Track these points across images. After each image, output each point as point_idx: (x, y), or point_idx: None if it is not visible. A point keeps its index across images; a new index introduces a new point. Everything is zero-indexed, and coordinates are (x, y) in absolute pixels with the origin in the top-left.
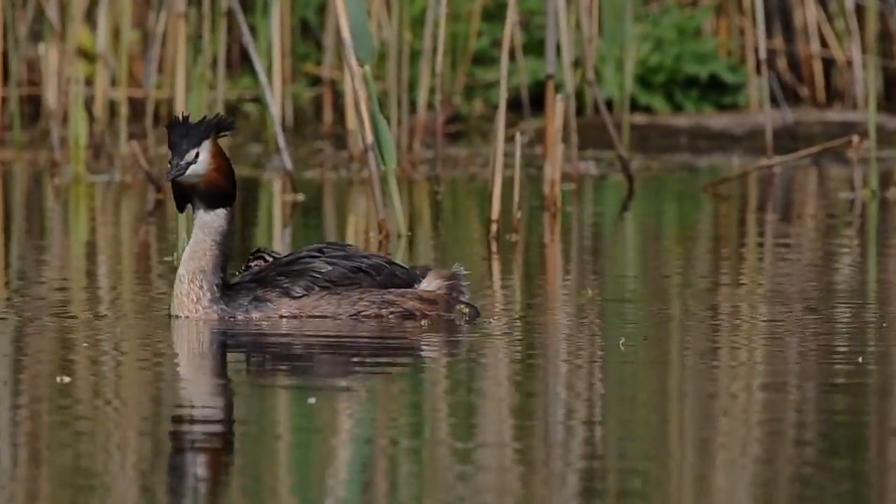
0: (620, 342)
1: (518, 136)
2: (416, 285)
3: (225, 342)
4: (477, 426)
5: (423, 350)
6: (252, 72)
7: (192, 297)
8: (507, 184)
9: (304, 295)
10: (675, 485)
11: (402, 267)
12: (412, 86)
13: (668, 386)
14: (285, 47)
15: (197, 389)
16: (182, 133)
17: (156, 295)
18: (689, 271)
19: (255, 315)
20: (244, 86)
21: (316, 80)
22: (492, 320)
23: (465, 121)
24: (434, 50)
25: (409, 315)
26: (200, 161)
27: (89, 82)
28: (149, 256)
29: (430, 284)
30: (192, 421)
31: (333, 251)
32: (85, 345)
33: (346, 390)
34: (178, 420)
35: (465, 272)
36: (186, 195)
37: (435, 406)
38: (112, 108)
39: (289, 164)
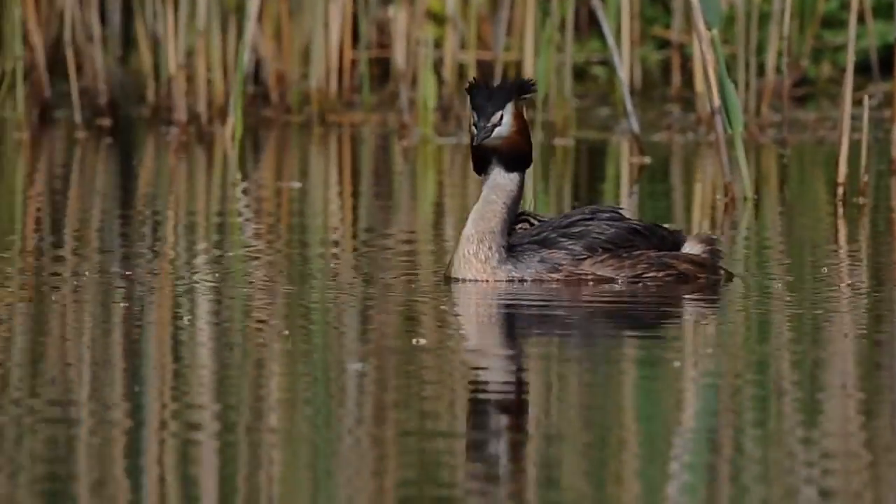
0: None
1: (866, 100)
2: (681, 248)
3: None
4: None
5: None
6: (600, 35)
7: (480, 258)
8: (855, 147)
9: (588, 256)
10: None
11: (667, 230)
12: (760, 49)
13: None
14: (634, 10)
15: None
16: (486, 96)
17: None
18: None
19: (545, 276)
20: (592, 48)
21: (664, 43)
22: (841, 286)
23: (812, 84)
24: (782, 13)
25: (683, 278)
26: (504, 123)
27: (438, 45)
28: None
29: (694, 248)
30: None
31: (604, 213)
32: (443, 308)
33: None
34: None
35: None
36: (487, 157)
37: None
38: (461, 70)
39: (636, 127)
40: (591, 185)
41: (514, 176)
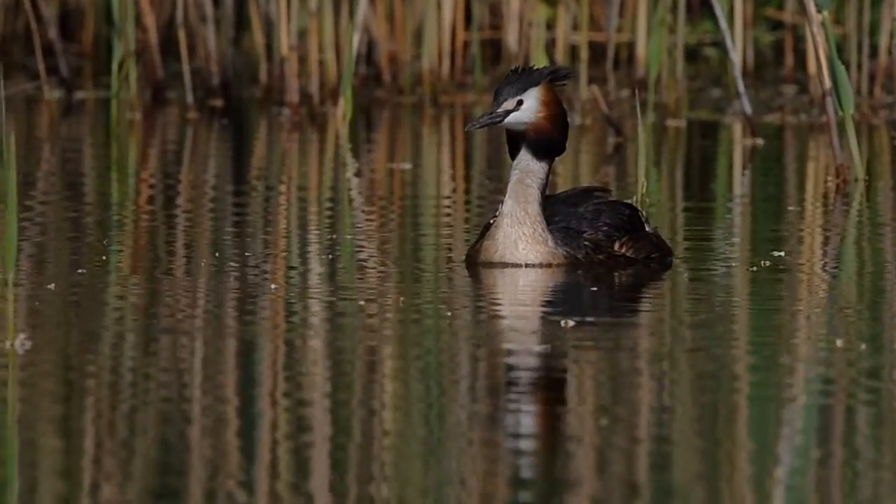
0: None
1: None
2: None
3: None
4: None
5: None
6: (712, 16)
7: (538, 240)
8: None
9: (617, 238)
10: None
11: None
12: (873, 30)
13: None
14: None
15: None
16: (510, 81)
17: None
18: None
19: (593, 258)
20: (704, 30)
21: (777, 25)
22: None
23: None
24: None
25: (669, 259)
26: (525, 108)
27: (550, 26)
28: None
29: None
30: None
31: (599, 191)
32: (594, 288)
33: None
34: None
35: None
36: (517, 142)
37: None
38: (573, 51)
39: (748, 109)
40: (703, 167)
41: (544, 164)
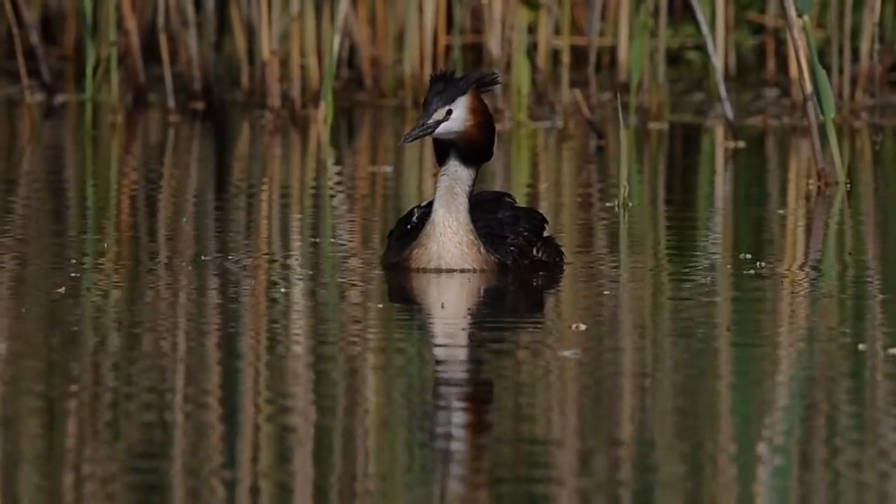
0: None
1: None
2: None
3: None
4: None
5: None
6: (694, 20)
7: (472, 247)
8: None
9: (535, 242)
10: None
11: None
12: (855, 33)
13: None
14: None
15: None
16: (438, 90)
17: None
18: None
19: (519, 262)
20: (686, 34)
21: (759, 28)
22: None
23: None
24: None
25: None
26: (455, 118)
27: (532, 30)
28: (590, 201)
29: None
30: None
31: (507, 197)
32: (603, 294)
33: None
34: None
35: None
36: (445, 150)
37: None
38: (555, 55)
39: (730, 113)
40: (685, 170)
41: (472, 170)
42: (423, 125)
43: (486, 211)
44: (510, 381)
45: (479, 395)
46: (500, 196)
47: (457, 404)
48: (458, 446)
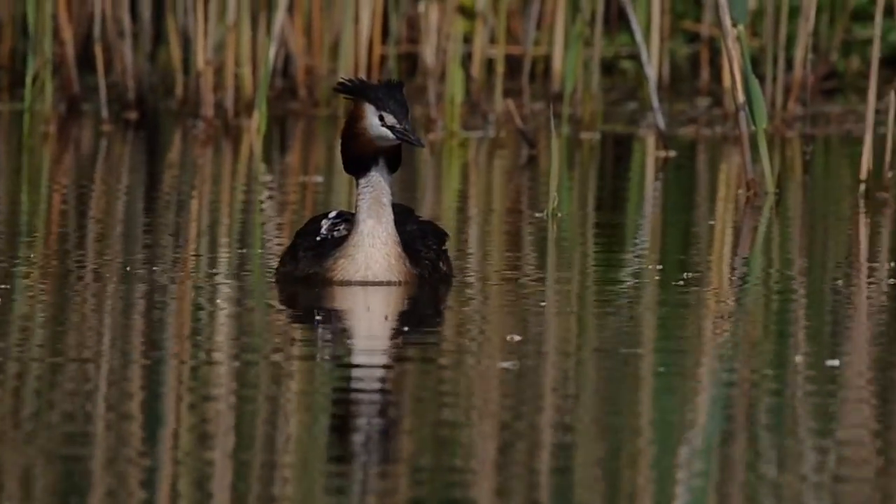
0: None
1: (892, 94)
2: None
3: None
4: None
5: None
6: (630, 29)
7: (400, 259)
8: (880, 141)
9: (442, 254)
10: None
11: None
12: (789, 43)
13: None
14: (664, 4)
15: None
16: (402, 97)
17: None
18: None
19: (434, 275)
20: (621, 43)
21: (694, 37)
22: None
23: (841, 77)
24: (811, 7)
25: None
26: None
27: (467, 39)
28: (520, 211)
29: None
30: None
31: (406, 209)
32: (542, 304)
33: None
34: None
35: None
36: (374, 158)
37: None
38: (489, 65)
39: (661, 123)
40: (616, 180)
41: (390, 180)
42: (413, 129)
43: (397, 224)
44: (448, 393)
45: (406, 409)
46: (405, 209)
47: (379, 419)
48: (377, 461)
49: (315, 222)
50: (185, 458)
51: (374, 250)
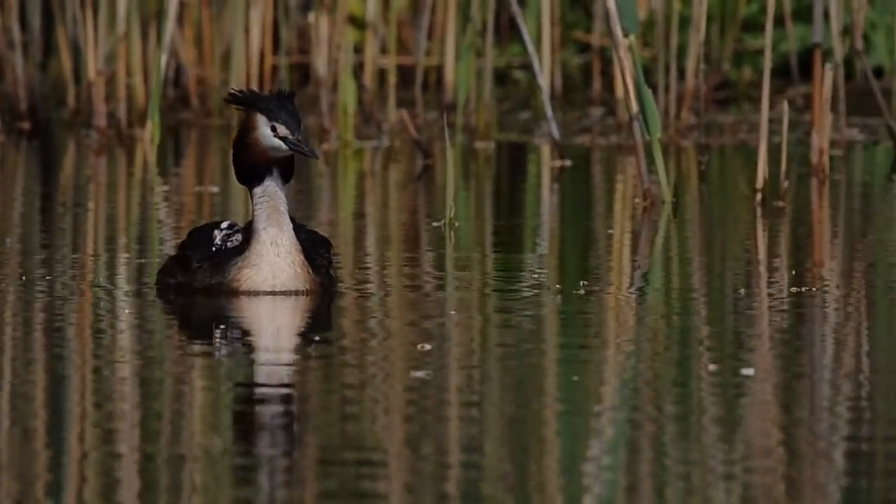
0: None
1: (785, 104)
2: None
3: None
4: None
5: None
6: (521, 39)
7: (305, 269)
8: (774, 150)
9: (331, 263)
10: None
11: None
12: (681, 52)
13: None
14: (554, 15)
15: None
16: (293, 107)
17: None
18: None
19: (334, 286)
20: (513, 53)
21: (585, 47)
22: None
23: (734, 87)
24: (702, 17)
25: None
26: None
27: (358, 49)
28: (416, 221)
29: None
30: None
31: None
32: (453, 313)
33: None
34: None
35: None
36: (268, 169)
37: None
38: (381, 75)
39: (555, 132)
40: (511, 189)
41: (285, 188)
42: (307, 139)
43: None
44: (364, 402)
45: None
46: (291, 218)
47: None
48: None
49: (201, 233)
50: (92, 452)
51: (279, 259)
